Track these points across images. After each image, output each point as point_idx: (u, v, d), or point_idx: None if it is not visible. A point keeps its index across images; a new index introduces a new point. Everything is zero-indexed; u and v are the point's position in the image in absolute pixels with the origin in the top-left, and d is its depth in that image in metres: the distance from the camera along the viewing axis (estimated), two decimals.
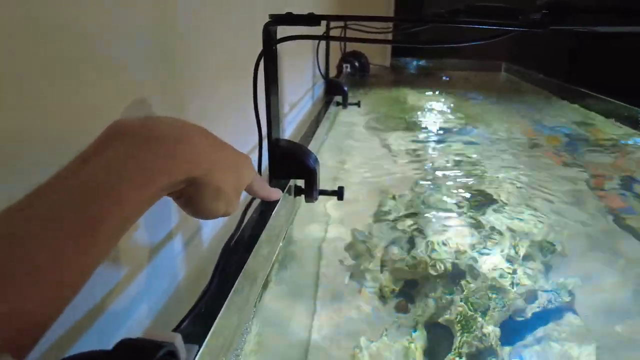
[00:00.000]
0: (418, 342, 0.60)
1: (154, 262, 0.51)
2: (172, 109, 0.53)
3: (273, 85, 0.69)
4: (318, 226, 0.90)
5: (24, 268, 0.20)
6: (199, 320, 0.38)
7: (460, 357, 0.58)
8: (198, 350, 0.34)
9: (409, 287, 0.72)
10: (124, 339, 0.28)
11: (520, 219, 0.96)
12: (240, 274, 0.45)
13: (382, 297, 0.70)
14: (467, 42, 0.71)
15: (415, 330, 0.62)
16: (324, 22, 1.06)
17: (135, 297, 0.47)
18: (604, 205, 1.06)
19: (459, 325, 0.63)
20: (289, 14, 0.64)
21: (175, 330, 0.36)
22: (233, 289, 0.42)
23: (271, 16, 0.64)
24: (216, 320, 0.38)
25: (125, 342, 0.27)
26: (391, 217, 0.96)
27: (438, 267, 0.77)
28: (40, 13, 0.30)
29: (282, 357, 0.56)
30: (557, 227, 0.93)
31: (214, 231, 0.70)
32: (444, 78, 3.30)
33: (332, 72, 2.27)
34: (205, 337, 0.36)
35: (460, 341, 0.60)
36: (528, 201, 1.06)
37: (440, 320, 0.65)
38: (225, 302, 0.40)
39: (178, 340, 0.29)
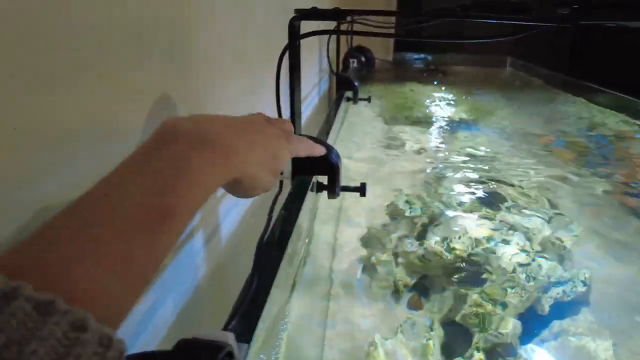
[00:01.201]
0: None
1: (177, 260, 0.51)
2: (187, 108, 0.53)
3: (296, 79, 0.68)
4: None
5: (94, 255, 0.20)
6: (244, 318, 0.37)
7: None
8: (248, 349, 0.33)
9: None
10: (182, 340, 0.28)
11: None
12: (278, 272, 0.45)
13: None
14: (485, 37, 0.69)
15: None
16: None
17: (160, 294, 0.47)
18: None
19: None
20: (314, 9, 0.63)
21: (224, 329, 0.36)
22: (272, 286, 0.42)
23: (297, 11, 0.64)
24: (260, 318, 0.38)
25: (185, 343, 0.27)
26: None
27: None
28: (51, 12, 0.29)
29: None
30: None
31: (233, 227, 0.70)
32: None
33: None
34: (252, 335, 0.36)
35: None
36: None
37: None
38: (267, 300, 0.40)
39: (232, 340, 0.29)
